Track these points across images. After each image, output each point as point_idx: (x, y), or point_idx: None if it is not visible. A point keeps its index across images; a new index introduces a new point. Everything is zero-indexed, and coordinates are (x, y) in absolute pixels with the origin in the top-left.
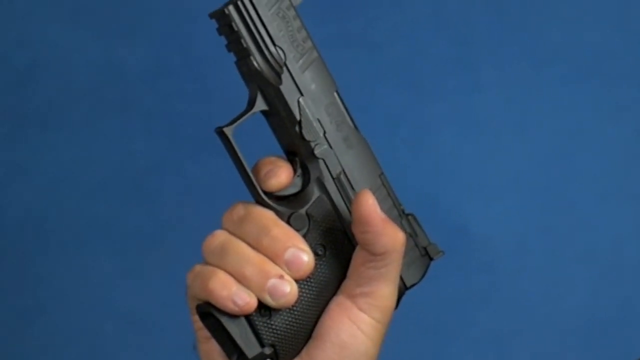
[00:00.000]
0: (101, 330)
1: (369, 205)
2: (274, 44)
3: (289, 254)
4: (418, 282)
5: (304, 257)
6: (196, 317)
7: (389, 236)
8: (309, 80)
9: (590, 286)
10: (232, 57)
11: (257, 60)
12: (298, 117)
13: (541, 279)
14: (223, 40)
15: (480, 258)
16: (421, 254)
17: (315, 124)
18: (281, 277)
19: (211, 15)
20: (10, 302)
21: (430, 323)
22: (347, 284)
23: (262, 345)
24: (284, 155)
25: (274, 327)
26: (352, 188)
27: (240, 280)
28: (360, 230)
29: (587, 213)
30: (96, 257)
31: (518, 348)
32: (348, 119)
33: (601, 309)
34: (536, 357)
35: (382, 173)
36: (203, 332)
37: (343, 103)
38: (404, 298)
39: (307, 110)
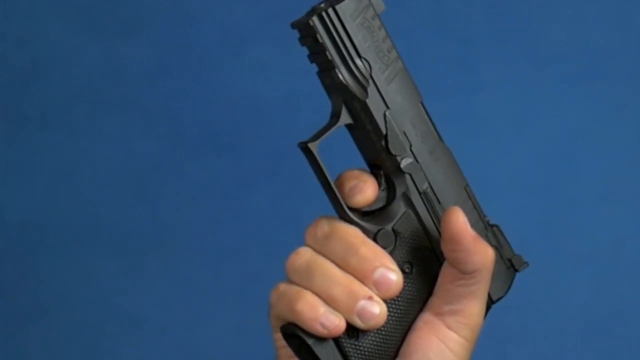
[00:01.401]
0: (103, 331)
1: (460, 223)
2: (360, 56)
3: (378, 274)
4: (504, 295)
5: (393, 276)
6: (279, 335)
7: (480, 254)
8: (394, 92)
9: (590, 286)
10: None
11: (342, 73)
12: (384, 131)
13: (541, 278)
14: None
15: None
16: (507, 266)
17: (402, 138)
18: (370, 298)
19: (293, 25)
20: (11, 303)
21: None
22: (434, 301)
23: None
24: (366, 168)
25: (361, 348)
26: (439, 202)
27: (328, 302)
28: (450, 249)
29: (587, 212)
30: (97, 257)
31: (518, 348)
32: (433, 130)
33: (601, 308)
34: (536, 357)
35: (467, 184)
36: (286, 351)
37: (427, 114)
38: (489, 312)
39: (393, 124)
